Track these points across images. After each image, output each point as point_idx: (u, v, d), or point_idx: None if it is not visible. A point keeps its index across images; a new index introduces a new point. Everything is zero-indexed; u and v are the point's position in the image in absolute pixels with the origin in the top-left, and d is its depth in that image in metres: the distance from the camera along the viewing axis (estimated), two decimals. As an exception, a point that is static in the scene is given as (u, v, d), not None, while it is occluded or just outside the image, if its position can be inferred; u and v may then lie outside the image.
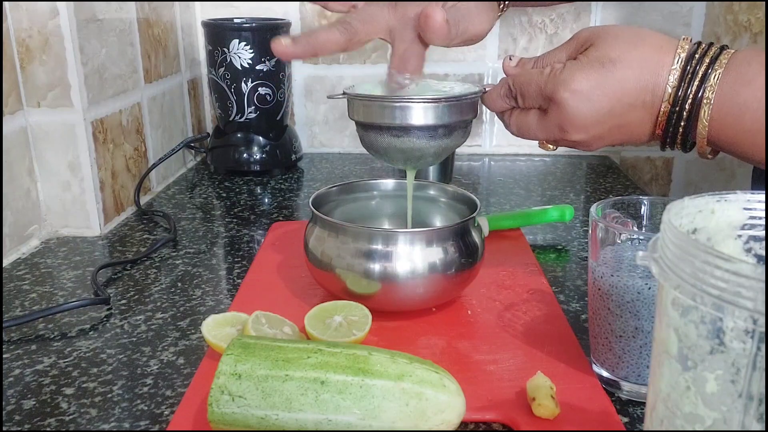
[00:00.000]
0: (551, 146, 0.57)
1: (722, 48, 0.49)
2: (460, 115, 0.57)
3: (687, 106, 0.48)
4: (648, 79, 0.49)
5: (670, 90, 0.49)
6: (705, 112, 0.48)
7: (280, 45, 0.60)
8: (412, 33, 0.60)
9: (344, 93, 0.59)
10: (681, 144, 0.51)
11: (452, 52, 1.12)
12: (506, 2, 0.64)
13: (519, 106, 0.55)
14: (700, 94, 0.48)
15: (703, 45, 0.49)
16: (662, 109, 0.49)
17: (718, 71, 0.48)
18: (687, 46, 0.49)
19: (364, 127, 0.59)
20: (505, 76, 0.57)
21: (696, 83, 0.48)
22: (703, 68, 0.48)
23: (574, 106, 0.50)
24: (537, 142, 0.57)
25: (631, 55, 0.50)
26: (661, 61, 0.49)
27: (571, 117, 0.51)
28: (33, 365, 0.53)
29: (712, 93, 0.48)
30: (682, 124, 0.49)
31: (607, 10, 1.09)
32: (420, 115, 0.55)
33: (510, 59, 0.56)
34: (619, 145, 0.54)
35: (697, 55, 0.48)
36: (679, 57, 0.49)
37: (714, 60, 0.48)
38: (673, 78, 0.48)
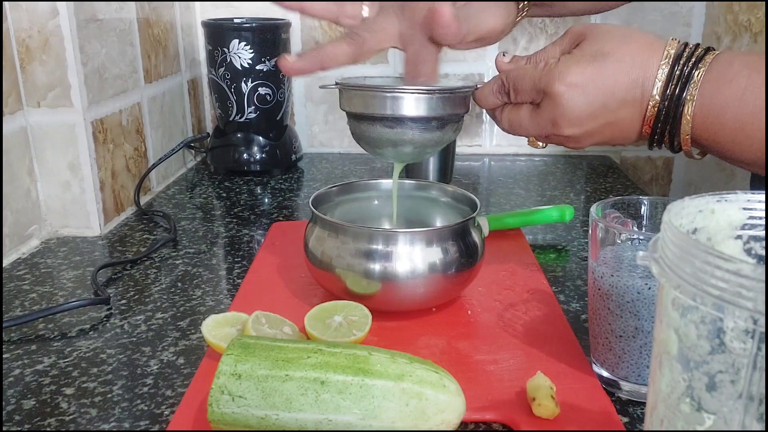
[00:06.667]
0: (540, 143, 0.56)
1: (707, 49, 0.50)
2: (453, 108, 0.57)
3: (674, 103, 0.49)
4: (639, 74, 0.50)
5: (659, 86, 0.49)
6: (688, 108, 0.49)
7: (286, 62, 0.59)
8: (422, 36, 0.59)
9: (337, 83, 0.59)
10: (669, 142, 0.51)
11: (452, 52, 1.12)
12: (524, 1, 0.63)
13: (511, 101, 0.55)
14: (685, 92, 0.49)
15: (691, 45, 0.50)
16: (650, 105, 0.50)
17: (701, 69, 0.48)
18: (676, 45, 0.50)
19: (356, 118, 0.59)
20: (498, 73, 0.57)
21: (683, 80, 0.49)
22: (689, 66, 0.49)
23: (569, 99, 0.50)
24: (528, 139, 0.57)
25: (623, 50, 0.50)
26: (651, 58, 0.50)
27: (566, 110, 0.51)
28: (33, 365, 0.53)
29: (696, 90, 0.48)
30: (670, 121, 0.50)
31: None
32: (413, 106, 0.55)
33: (503, 55, 0.56)
34: (607, 143, 0.54)
35: (685, 54, 0.49)
36: (668, 54, 0.49)
37: (699, 60, 0.49)
38: (662, 74, 0.49)
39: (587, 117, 0.51)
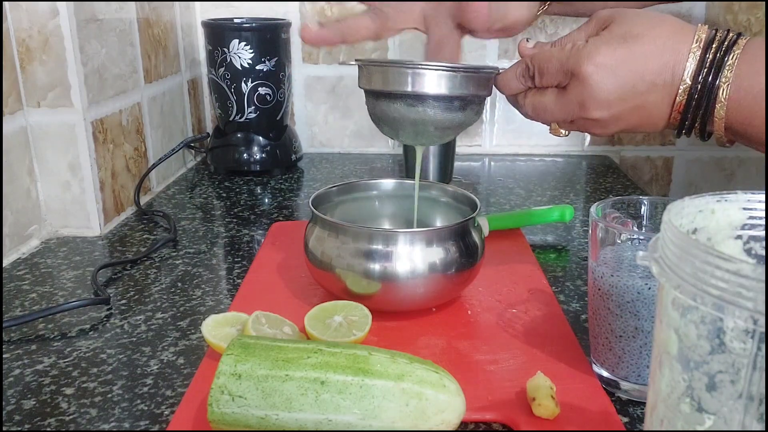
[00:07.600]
0: (563, 131, 0.55)
1: (739, 34, 0.49)
2: (477, 89, 0.55)
3: (707, 87, 0.48)
4: (669, 57, 0.49)
5: (690, 70, 0.48)
6: (724, 91, 0.48)
7: (308, 30, 0.57)
8: (447, 20, 0.58)
9: (356, 60, 0.58)
10: (699, 128, 0.51)
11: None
12: None
13: (535, 85, 0.54)
14: (719, 76, 0.48)
15: (721, 30, 0.49)
16: (681, 89, 0.49)
17: (736, 52, 0.48)
18: (706, 30, 0.49)
19: (375, 96, 0.57)
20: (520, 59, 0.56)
21: (716, 64, 0.48)
22: (722, 51, 0.48)
23: (598, 80, 0.49)
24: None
25: (654, 32, 0.49)
26: (681, 42, 0.49)
27: (595, 92, 0.50)
28: (33, 365, 0.53)
29: (731, 72, 0.48)
30: (703, 105, 0.49)
31: (607, 10, 1.09)
32: (436, 83, 0.54)
33: (527, 41, 0.55)
34: (634, 130, 0.53)
35: (717, 37, 0.49)
36: (699, 38, 0.49)
37: (732, 44, 0.48)
38: (694, 58, 0.48)
39: (616, 99, 0.50)
